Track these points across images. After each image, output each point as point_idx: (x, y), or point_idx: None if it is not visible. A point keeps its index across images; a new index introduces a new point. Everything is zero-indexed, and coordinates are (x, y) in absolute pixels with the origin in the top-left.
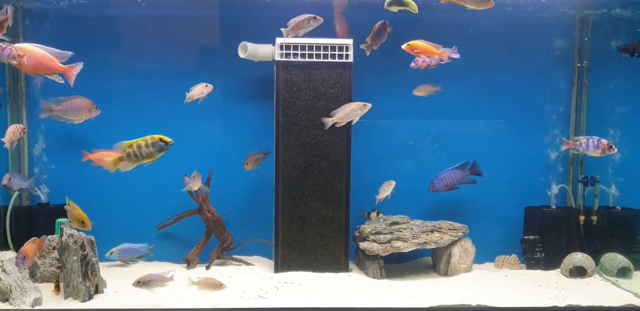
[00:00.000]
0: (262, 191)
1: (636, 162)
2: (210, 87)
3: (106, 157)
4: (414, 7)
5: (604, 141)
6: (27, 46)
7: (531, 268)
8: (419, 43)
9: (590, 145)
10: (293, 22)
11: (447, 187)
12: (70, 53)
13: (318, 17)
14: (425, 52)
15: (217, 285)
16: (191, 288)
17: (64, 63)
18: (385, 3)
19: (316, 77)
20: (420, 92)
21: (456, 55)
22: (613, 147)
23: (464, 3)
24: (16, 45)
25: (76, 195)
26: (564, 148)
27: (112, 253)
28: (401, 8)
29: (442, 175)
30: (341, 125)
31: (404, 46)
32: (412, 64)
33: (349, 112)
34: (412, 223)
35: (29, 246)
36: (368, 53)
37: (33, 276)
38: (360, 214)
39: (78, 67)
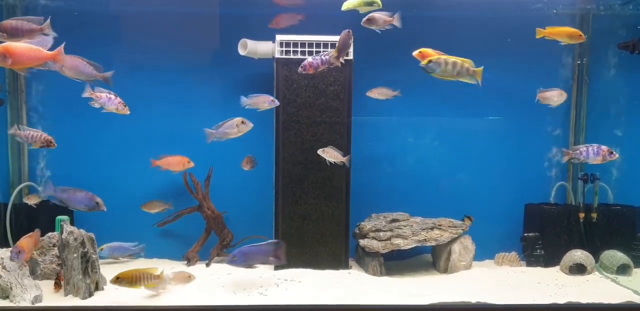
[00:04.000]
0: (262, 188)
1: (636, 159)
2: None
3: (172, 162)
4: (378, 3)
5: (604, 147)
6: (7, 44)
7: (531, 265)
8: (430, 51)
9: (590, 153)
10: None
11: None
12: (50, 38)
13: None
14: None
15: (187, 277)
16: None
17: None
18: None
19: (316, 75)
20: (375, 94)
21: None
22: (614, 152)
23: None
24: None
25: None
26: (565, 159)
27: (102, 249)
28: (370, 8)
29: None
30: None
31: (415, 53)
32: (300, 69)
33: (551, 96)
34: (412, 221)
35: (25, 241)
36: (339, 64)
37: (33, 273)
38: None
39: (62, 50)
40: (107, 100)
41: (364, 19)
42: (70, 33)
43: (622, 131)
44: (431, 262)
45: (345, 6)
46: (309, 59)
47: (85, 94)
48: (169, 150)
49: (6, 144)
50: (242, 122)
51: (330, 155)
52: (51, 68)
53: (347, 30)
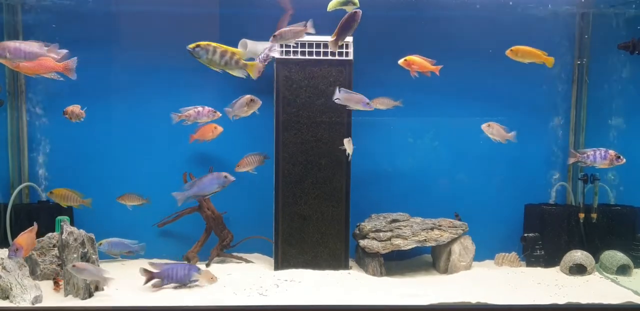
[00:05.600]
0: (262, 189)
1: (636, 160)
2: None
3: (204, 132)
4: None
5: (611, 152)
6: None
7: (531, 265)
8: (415, 58)
9: (597, 157)
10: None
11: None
12: (65, 51)
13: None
14: (422, 67)
15: (210, 278)
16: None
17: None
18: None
19: (316, 75)
20: (377, 104)
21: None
22: (621, 157)
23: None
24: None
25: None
26: (571, 161)
27: (101, 244)
28: (351, 6)
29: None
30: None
31: (400, 61)
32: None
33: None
34: (412, 221)
35: (24, 237)
36: (335, 49)
37: (33, 273)
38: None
39: (73, 63)
40: (197, 114)
41: (272, 37)
42: (69, 32)
43: (622, 131)
44: (431, 262)
45: (329, 7)
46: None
47: (175, 121)
48: (168, 150)
49: (6, 144)
50: (252, 100)
51: (350, 147)
52: (55, 78)
53: (352, 11)
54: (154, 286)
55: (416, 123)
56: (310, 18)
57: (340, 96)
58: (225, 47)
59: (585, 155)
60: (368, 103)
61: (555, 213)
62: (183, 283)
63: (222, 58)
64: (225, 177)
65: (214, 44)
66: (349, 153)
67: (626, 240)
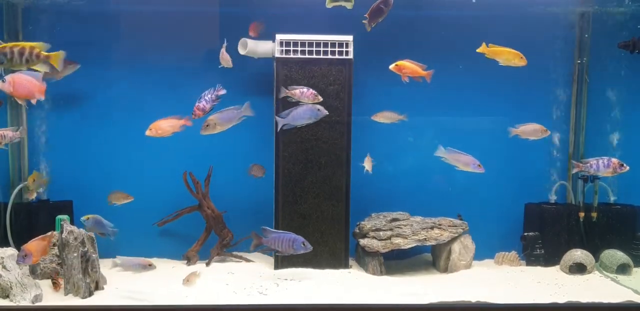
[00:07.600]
0: (262, 188)
1: (636, 159)
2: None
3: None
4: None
5: (614, 160)
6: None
7: (531, 264)
8: (406, 63)
9: (600, 166)
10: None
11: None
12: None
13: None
14: (412, 72)
15: (186, 281)
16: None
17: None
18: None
19: (316, 74)
20: (381, 118)
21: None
22: (624, 164)
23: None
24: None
25: (76, 192)
26: (574, 170)
27: (88, 218)
28: (338, 3)
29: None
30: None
31: (391, 67)
32: (194, 116)
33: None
34: (412, 220)
35: (34, 244)
36: (369, 29)
37: (33, 272)
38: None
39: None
40: (301, 94)
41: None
42: (69, 32)
43: (622, 130)
44: (431, 261)
45: (327, 4)
46: (200, 104)
47: (282, 95)
48: (168, 149)
49: (6, 144)
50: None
51: (369, 164)
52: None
53: None
54: (259, 251)
55: (416, 122)
56: (313, 16)
57: (445, 155)
58: (21, 43)
59: (588, 164)
60: (479, 166)
61: (555, 212)
62: (285, 253)
63: (21, 56)
64: (319, 109)
65: (9, 45)
66: (367, 170)
67: (626, 239)
